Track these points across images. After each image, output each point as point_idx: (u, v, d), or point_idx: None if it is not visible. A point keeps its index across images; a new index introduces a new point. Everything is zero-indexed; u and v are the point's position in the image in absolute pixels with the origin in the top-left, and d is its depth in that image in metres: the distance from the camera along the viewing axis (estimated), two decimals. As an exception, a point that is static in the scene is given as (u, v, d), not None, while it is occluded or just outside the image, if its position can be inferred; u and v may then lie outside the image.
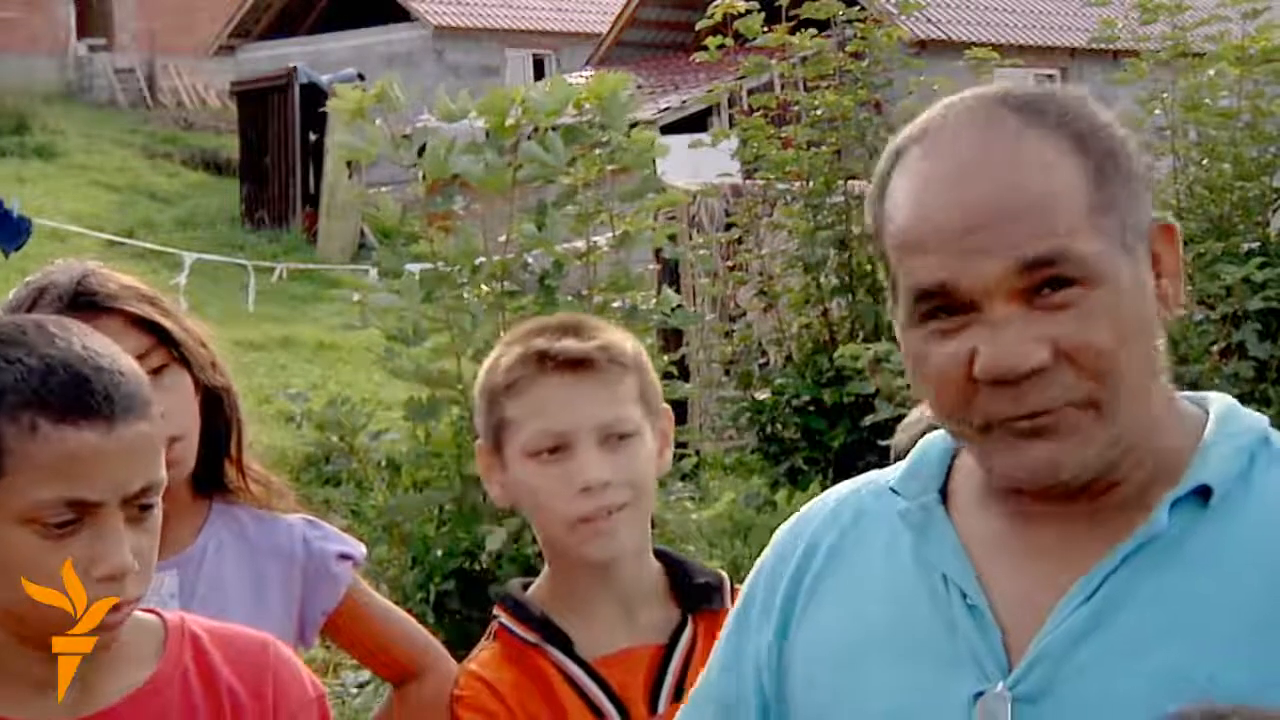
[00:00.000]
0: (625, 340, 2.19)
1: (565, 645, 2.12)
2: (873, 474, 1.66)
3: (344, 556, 2.38)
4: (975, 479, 1.54)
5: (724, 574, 2.24)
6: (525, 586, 2.21)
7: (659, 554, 2.23)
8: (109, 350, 1.66)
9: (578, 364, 2.12)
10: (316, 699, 1.81)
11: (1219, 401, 1.53)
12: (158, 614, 1.78)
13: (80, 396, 1.59)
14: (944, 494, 1.55)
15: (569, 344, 2.12)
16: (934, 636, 1.49)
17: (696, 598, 2.18)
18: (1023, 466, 1.43)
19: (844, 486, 1.67)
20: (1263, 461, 1.47)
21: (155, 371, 2.18)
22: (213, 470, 2.31)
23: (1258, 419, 1.52)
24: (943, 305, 1.43)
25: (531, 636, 2.13)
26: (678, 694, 2.10)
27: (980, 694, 1.44)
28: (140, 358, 2.17)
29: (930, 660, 1.48)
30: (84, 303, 2.18)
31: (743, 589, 1.70)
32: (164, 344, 2.22)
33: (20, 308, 2.18)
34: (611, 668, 2.12)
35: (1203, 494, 1.44)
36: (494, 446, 2.18)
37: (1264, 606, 1.39)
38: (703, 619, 2.17)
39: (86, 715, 1.69)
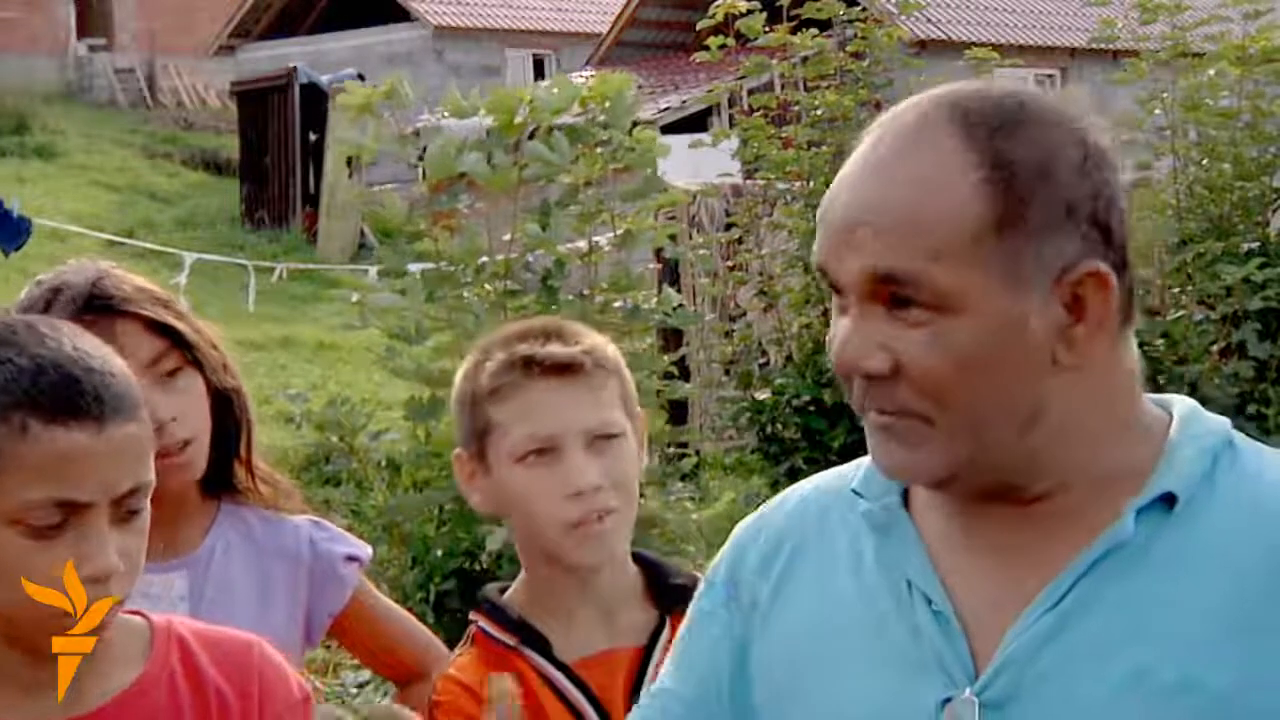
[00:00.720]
0: (607, 344, 2.19)
1: (544, 648, 2.12)
2: (833, 471, 1.65)
3: (351, 558, 2.38)
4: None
5: (700, 575, 2.24)
6: (503, 590, 2.20)
7: (636, 556, 2.23)
8: (99, 351, 1.66)
9: (564, 368, 2.12)
10: (302, 700, 1.80)
11: (1182, 404, 1.52)
12: (144, 616, 1.78)
13: (70, 397, 1.59)
14: (906, 494, 1.55)
15: (555, 349, 2.13)
16: (899, 641, 1.48)
17: (674, 599, 2.17)
18: (880, 462, 1.48)
19: (805, 485, 1.66)
20: (1225, 463, 1.47)
21: (170, 374, 2.19)
22: (222, 471, 2.31)
23: (1220, 421, 1.51)
24: (830, 284, 1.47)
25: (509, 640, 2.12)
26: None
27: (948, 700, 1.44)
28: (155, 361, 2.18)
29: (896, 666, 1.48)
30: (99, 305, 2.18)
31: (701, 587, 1.68)
32: (178, 347, 2.23)
33: (34, 308, 2.18)
34: (591, 670, 2.12)
35: (1167, 500, 1.44)
36: (476, 453, 2.17)
37: (1236, 608, 1.39)
38: (680, 620, 2.17)
39: (75, 717, 1.68)
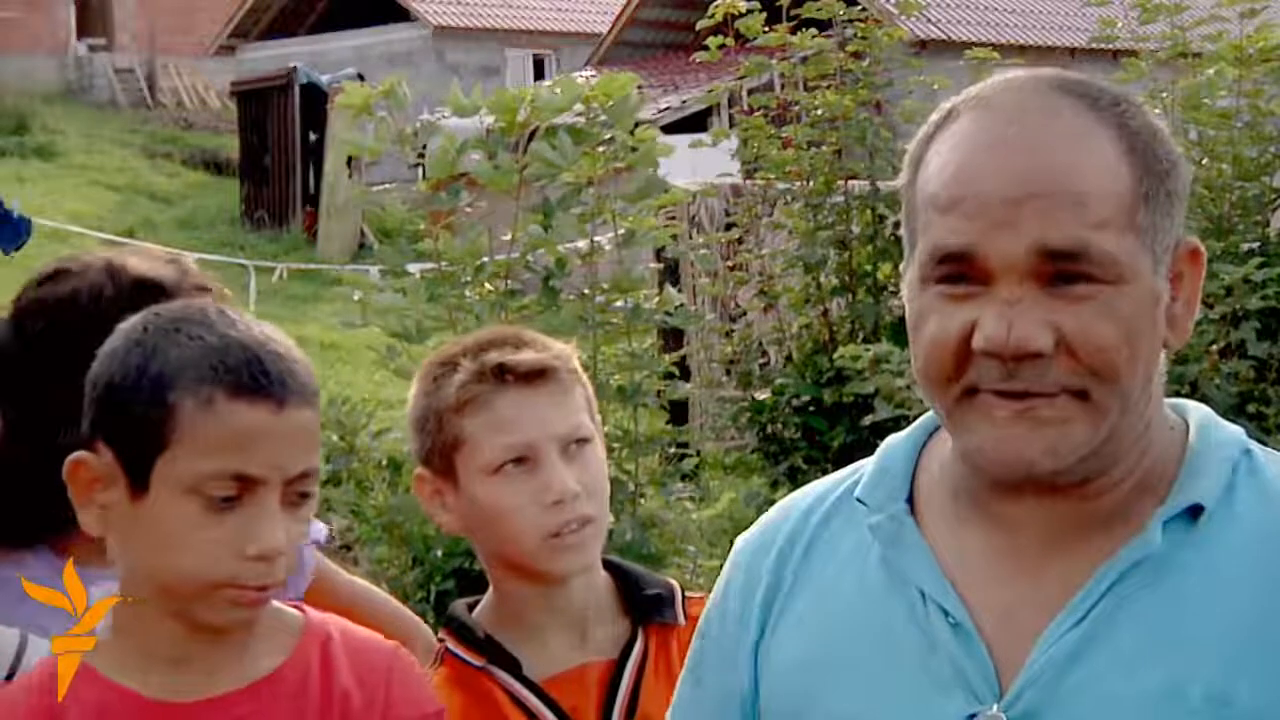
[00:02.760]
0: (570, 350, 2.17)
1: (513, 667, 2.08)
2: (830, 479, 1.62)
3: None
4: (945, 485, 1.51)
5: (675, 584, 2.21)
6: (471, 606, 2.17)
7: (607, 564, 2.19)
8: (283, 339, 1.73)
9: (537, 375, 2.09)
10: (435, 714, 1.82)
11: (1196, 410, 1.52)
12: (303, 610, 1.82)
13: (255, 376, 1.66)
14: (910, 502, 1.53)
15: (526, 355, 2.10)
16: (914, 655, 1.46)
17: (647, 610, 2.14)
18: (1001, 449, 1.41)
19: (804, 494, 1.63)
20: (1244, 474, 1.46)
21: None
22: None
23: (1236, 431, 1.50)
24: (960, 271, 1.41)
25: (477, 660, 2.09)
26: (631, 710, 2.08)
27: (973, 716, 1.42)
28: None
29: (913, 680, 1.45)
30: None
31: (707, 609, 1.66)
32: None
33: (91, 290, 2.13)
34: (562, 687, 2.08)
35: (1193, 510, 1.43)
36: (443, 470, 2.13)
37: (1263, 621, 1.38)
38: (654, 631, 2.14)
39: (208, 698, 1.72)
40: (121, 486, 1.68)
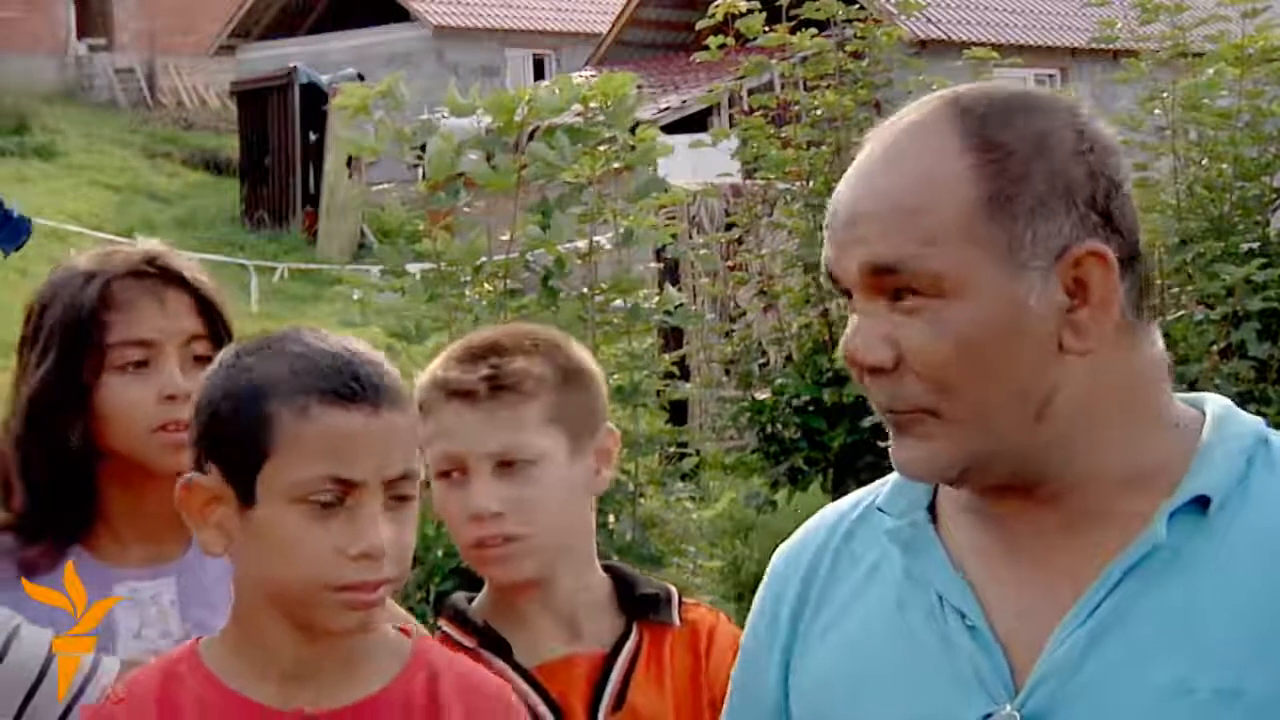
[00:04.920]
0: (541, 364, 2.16)
1: (504, 652, 2.12)
2: (863, 491, 1.65)
3: None
4: (961, 492, 1.52)
5: (673, 588, 2.23)
6: (470, 599, 2.22)
7: (607, 568, 2.23)
8: (370, 350, 1.79)
9: (470, 394, 2.13)
10: None
11: (1215, 403, 1.51)
12: (409, 634, 1.86)
13: (347, 382, 1.72)
14: (932, 509, 1.54)
15: (455, 374, 2.14)
16: (933, 658, 1.47)
17: (641, 608, 2.17)
18: (896, 460, 1.48)
19: (837, 506, 1.66)
20: (1260, 464, 1.45)
21: (198, 359, 2.17)
22: None
23: (1255, 421, 1.50)
24: (839, 288, 1.48)
25: (469, 642, 2.13)
26: (619, 702, 2.11)
27: (989, 716, 1.43)
28: (189, 340, 2.19)
29: (933, 683, 1.47)
30: (158, 266, 2.22)
31: (749, 619, 1.69)
32: (213, 337, 2.22)
33: (91, 264, 2.19)
34: (551, 675, 2.11)
35: (1201, 502, 1.42)
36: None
37: (1274, 613, 1.38)
38: (648, 629, 2.17)
39: (317, 712, 1.75)
40: (232, 502, 1.74)
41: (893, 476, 1.59)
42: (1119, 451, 1.45)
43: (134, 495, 2.18)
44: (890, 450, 1.49)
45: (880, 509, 1.57)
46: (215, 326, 2.24)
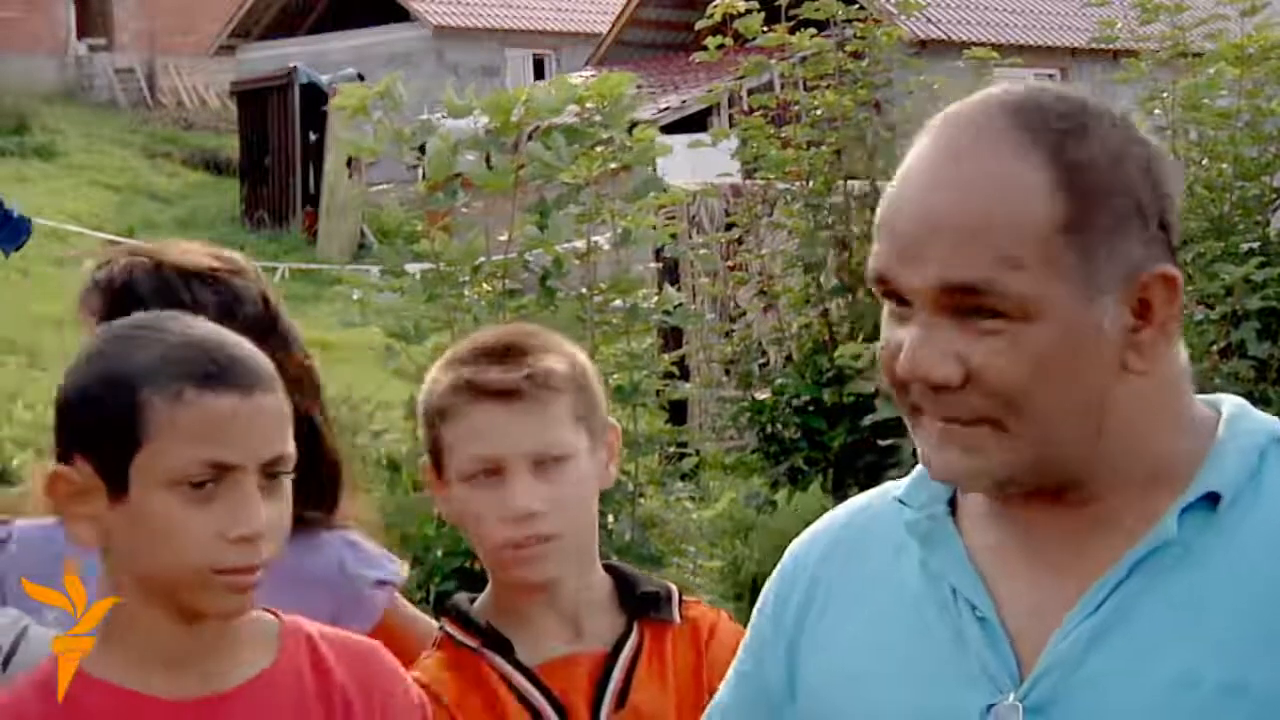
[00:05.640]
0: (561, 361, 2.17)
1: (507, 651, 2.12)
2: (882, 487, 1.65)
3: (381, 583, 2.34)
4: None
5: (673, 586, 2.24)
6: (472, 600, 2.22)
7: (607, 567, 2.23)
8: (236, 336, 1.79)
9: (505, 394, 2.12)
10: (419, 706, 1.88)
11: (1230, 402, 1.51)
12: (273, 613, 1.85)
13: (221, 367, 1.72)
14: (952, 504, 1.54)
15: (494, 375, 2.13)
16: (945, 649, 1.48)
17: (642, 606, 2.18)
18: (936, 468, 1.46)
19: (854, 501, 1.66)
20: (1273, 461, 1.45)
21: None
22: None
23: (1269, 420, 1.50)
24: (890, 292, 1.45)
25: (472, 642, 2.13)
26: (621, 700, 2.11)
27: (991, 706, 1.43)
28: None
29: (942, 674, 1.47)
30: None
31: (757, 607, 1.69)
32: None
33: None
34: (553, 673, 2.12)
35: (1212, 499, 1.42)
36: (435, 466, 2.19)
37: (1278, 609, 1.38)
38: (649, 627, 2.17)
39: (212, 695, 1.76)
40: (101, 494, 1.73)
41: (916, 469, 1.58)
42: (1150, 455, 1.45)
43: None
44: (927, 455, 1.46)
45: (900, 500, 1.57)
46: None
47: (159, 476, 1.70)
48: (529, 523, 2.10)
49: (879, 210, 1.47)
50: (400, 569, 2.38)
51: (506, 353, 2.16)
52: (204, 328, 1.78)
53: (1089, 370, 1.41)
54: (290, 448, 1.76)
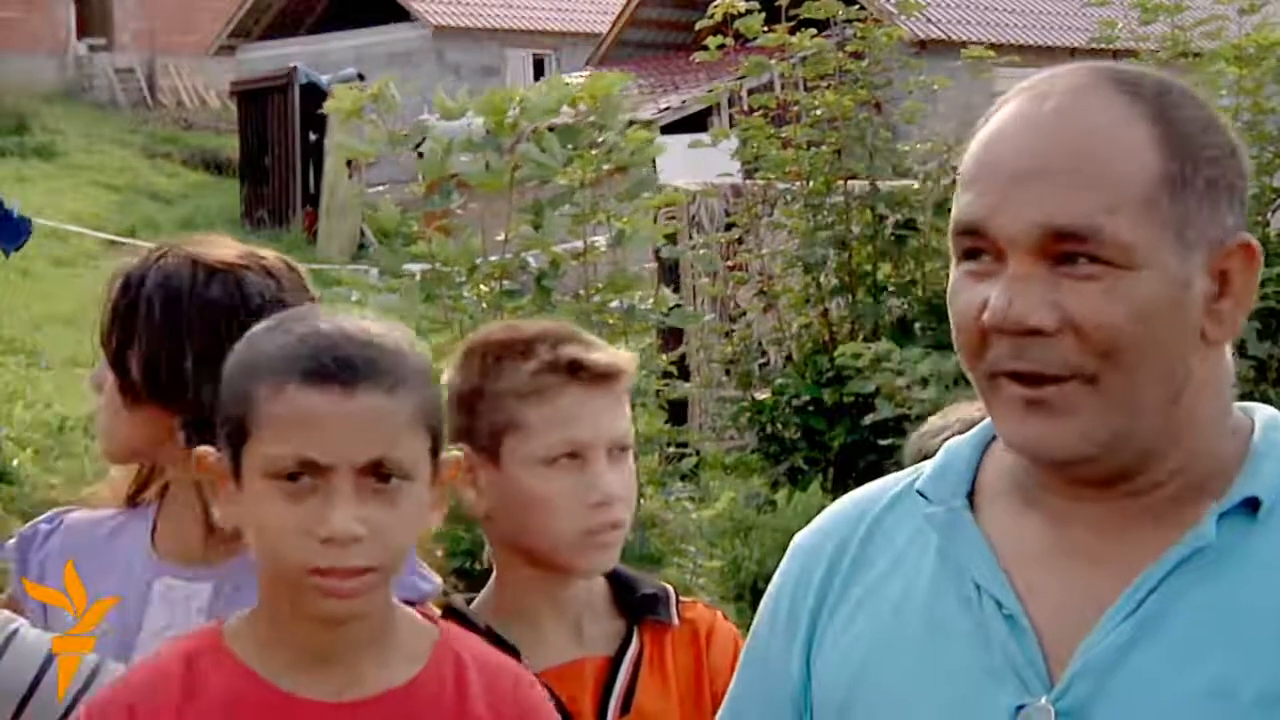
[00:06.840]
0: (632, 358, 2.20)
1: (511, 656, 2.08)
2: (892, 477, 1.63)
3: (407, 602, 2.32)
4: (1005, 481, 1.51)
5: (669, 587, 2.23)
6: (469, 601, 2.19)
7: None
8: (381, 329, 1.76)
9: (604, 377, 2.11)
10: None
11: (1263, 411, 1.51)
12: (436, 621, 1.85)
13: (325, 362, 1.69)
14: (970, 498, 1.53)
15: (600, 356, 2.12)
16: (967, 646, 1.46)
17: (641, 609, 2.17)
18: (1021, 437, 1.43)
19: (864, 491, 1.64)
20: None
21: None
22: None
23: None
24: (977, 246, 1.42)
25: None
26: (626, 704, 2.10)
27: (1021, 707, 1.41)
28: None
29: (966, 671, 1.45)
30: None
31: (761, 606, 1.66)
32: None
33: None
34: (560, 679, 2.09)
35: (1251, 504, 1.42)
36: (486, 449, 2.13)
37: None
38: (648, 629, 2.16)
39: (350, 701, 1.74)
40: (229, 478, 1.75)
41: (924, 466, 1.57)
42: (1202, 454, 1.45)
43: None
44: (1011, 426, 1.43)
45: (920, 492, 1.55)
46: None
47: (260, 467, 1.70)
48: (610, 509, 2.09)
49: (963, 167, 1.45)
50: (435, 585, 2.33)
51: (576, 337, 2.15)
52: (339, 321, 1.75)
53: (1177, 329, 1.41)
54: (399, 451, 1.71)
